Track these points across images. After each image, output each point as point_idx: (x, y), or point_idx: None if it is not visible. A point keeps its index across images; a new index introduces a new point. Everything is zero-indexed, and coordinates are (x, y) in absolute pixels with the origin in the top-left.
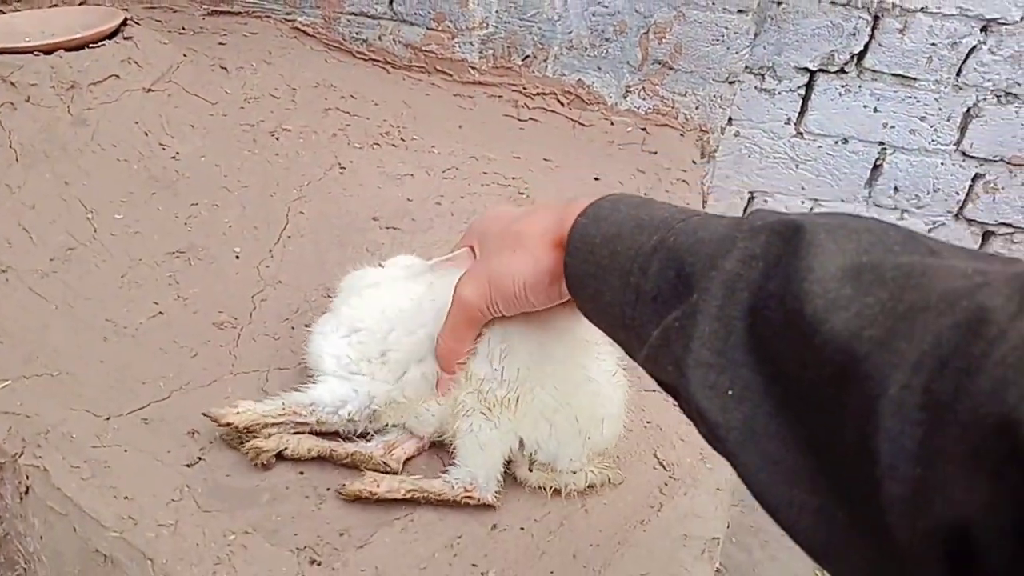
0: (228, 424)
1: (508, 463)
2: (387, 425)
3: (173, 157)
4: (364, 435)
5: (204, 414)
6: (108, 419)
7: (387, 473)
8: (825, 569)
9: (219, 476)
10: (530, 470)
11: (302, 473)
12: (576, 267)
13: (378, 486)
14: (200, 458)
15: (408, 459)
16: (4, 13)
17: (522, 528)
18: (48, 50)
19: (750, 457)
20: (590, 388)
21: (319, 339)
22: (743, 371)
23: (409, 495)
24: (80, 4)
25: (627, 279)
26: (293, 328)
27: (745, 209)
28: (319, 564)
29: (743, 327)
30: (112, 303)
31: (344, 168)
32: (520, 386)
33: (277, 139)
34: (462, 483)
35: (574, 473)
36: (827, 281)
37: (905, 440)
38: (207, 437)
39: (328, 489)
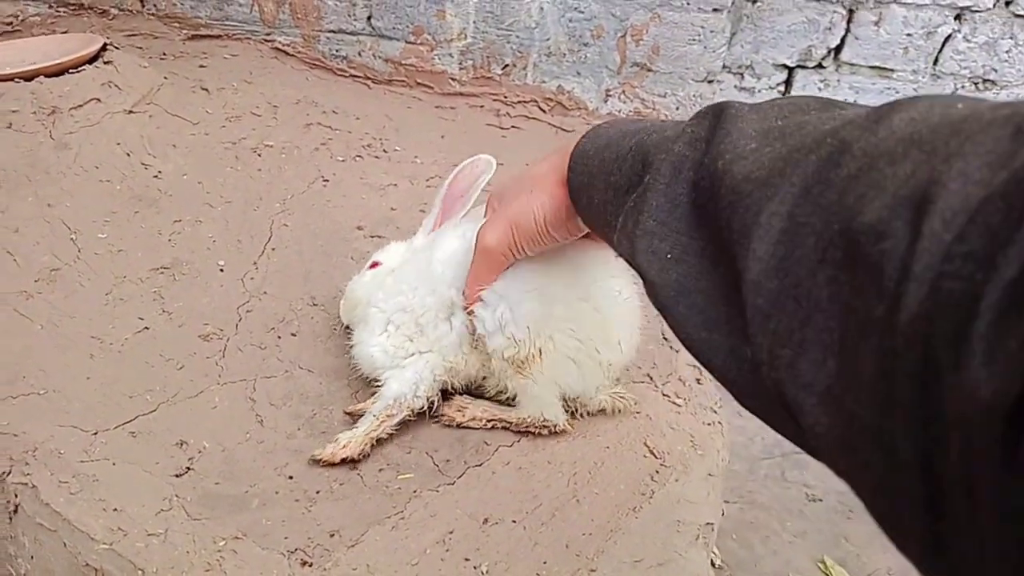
0: (343, 461)
1: None
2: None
3: (155, 176)
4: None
5: (313, 461)
6: (96, 434)
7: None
8: (743, 406)
9: (208, 484)
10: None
11: (291, 478)
12: (575, 180)
13: (463, 415)
14: (189, 468)
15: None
16: None
17: (514, 520)
18: (28, 77)
19: (679, 310)
20: (599, 319)
21: (359, 348)
22: (682, 238)
23: (490, 425)
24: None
25: (608, 179)
26: (280, 337)
27: None
28: (310, 565)
29: (687, 201)
30: (97, 320)
31: (327, 181)
32: (535, 341)
33: (259, 155)
34: (534, 416)
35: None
36: (739, 140)
37: (768, 258)
38: (196, 447)
39: (318, 492)
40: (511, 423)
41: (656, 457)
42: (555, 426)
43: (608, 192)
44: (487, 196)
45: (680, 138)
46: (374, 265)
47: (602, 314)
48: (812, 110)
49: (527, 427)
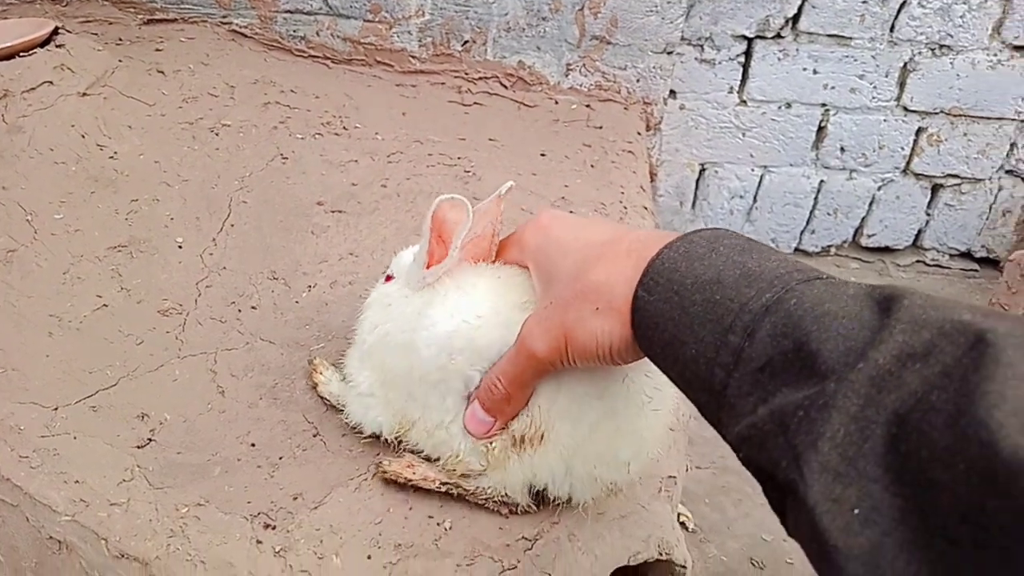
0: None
1: None
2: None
3: (111, 157)
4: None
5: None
6: (56, 409)
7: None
8: None
9: (170, 454)
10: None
11: (253, 445)
12: (653, 305)
13: (413, 472)
14: (150, 439)
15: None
16: None
17: None
18: None
19: None
20: (612, 426)
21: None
22: (874, 488)
23: (444, 488)
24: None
25: (724, 337)
26: (240, 311)
27: (697, 182)
28: (273, 528)
29: (883, 435)
30: (55, 299)
31: (286, 158)
32: (544, 420)
33: (217, 134)
34: (495, 489)
35: None
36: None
37: None
38: (157, 419)
39: (280, 458)
40: (468, 491)
41: None
42: (516, 506)
43: (723, 354)
44: (511, 237)
45: (883, 344)
46: (388, 279)
47: (618, 422)
48: None
49: (486, 500)
